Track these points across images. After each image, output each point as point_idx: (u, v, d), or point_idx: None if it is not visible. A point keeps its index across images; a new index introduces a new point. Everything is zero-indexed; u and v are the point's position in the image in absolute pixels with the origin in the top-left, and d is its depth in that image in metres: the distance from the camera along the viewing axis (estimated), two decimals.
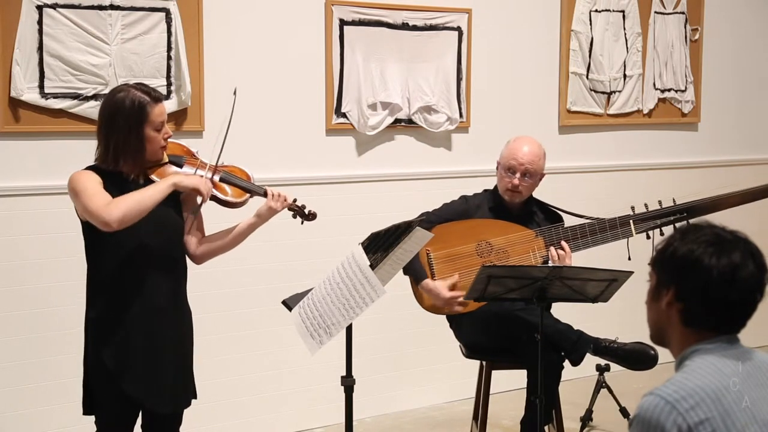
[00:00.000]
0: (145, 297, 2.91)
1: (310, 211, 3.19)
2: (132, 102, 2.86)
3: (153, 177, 2.95)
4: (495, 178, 3.92)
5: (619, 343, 3.70)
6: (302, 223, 3.21)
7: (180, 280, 3.05)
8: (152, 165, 2.96)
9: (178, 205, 3.05)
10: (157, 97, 2.91)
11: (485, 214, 3.83)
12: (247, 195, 3.10)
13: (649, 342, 1.98)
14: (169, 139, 2.98)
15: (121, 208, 2.76)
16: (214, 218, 3.23)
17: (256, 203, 3.16)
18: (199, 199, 2.98)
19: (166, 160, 2.98)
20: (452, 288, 3.65)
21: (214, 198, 3.03)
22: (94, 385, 2.95)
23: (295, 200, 3.17)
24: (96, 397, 2.95)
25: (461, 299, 3.61)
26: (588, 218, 3.81)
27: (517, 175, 3.75)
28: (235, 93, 3.04)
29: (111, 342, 2.89)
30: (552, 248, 3.67)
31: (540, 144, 3.86)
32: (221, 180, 3.04)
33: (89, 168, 2.92)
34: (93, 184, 2.84)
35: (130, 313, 2.90)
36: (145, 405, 2.96)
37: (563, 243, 3.67)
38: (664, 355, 1.97)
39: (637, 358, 3.66)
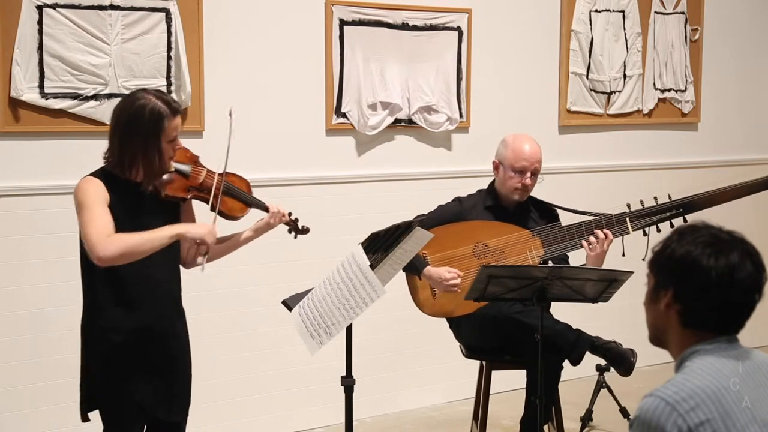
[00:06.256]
0: (149, 305, 2.88)
1: (303, 225, 3.21)
2: (151, 111, 2.76)
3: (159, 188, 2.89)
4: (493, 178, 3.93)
5: (615, 342, 3.72)
6: (295, 237, 3.23)
7: (179, 285, 3.04)
8: (159, 173, 2.88)
9: (177, 219, 2.99)
10: (176, 109, 2.83)
11: (481, 214, 3.82)
12: (248, 210, 3.10)
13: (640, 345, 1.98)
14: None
15: (118, 248, 2.66)
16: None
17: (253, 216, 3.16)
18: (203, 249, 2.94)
19: (173, 170, 2.92)
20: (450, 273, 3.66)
21: (219, 212, 3.00)
22: (99, 388, 2.87)
23: (290, 214, 3.17)
24: (101, 399, 2.88)
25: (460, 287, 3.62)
26: (579, 212, 3.82)
27: (528, 174, 3.76)
28: (230, 114, 2.97)
29: (118, 348, 2.82)
30: (597, 231, 3.65)
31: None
32: (224, 193, 3.01)
33: (98, 174, 2.83)
34: (98, 201, 2.73)
35: (135, 320, 2.84)
36: (157, 414, 2.89)
37: (604, 231, 3.66)
38: (663, 355, 1.96)
39: (620, 360, 3.70)
